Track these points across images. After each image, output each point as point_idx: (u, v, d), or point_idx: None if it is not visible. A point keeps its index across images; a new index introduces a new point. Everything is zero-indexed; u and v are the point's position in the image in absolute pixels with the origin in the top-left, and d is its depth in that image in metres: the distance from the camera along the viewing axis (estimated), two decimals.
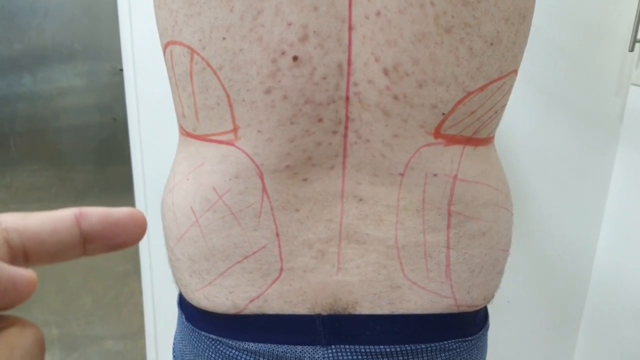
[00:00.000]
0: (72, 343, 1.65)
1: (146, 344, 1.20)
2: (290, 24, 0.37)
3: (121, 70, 1.07)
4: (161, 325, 1.15)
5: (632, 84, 0.88)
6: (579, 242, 1.04)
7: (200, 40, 0.39)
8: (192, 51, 0.40)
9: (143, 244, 1.09)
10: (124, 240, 0.19)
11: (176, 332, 0.55)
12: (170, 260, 0.49)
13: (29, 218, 0.18)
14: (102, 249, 0.19)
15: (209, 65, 0.39)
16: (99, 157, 1.38)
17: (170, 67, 0.43)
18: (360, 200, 0.44)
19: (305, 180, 0.43)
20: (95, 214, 0.18)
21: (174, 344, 0.55)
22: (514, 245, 0.48)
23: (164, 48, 0.42)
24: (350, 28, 0.38)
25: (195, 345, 0.49)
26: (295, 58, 0.38)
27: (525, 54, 0.44)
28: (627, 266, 0.97)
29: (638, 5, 0.85)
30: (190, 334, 0.50)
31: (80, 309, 1.63)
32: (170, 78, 0.44)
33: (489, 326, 0.53)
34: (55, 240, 0.18)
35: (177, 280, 0.49)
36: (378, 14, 0.37)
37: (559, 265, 1.05)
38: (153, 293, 1.13)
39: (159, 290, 1.12)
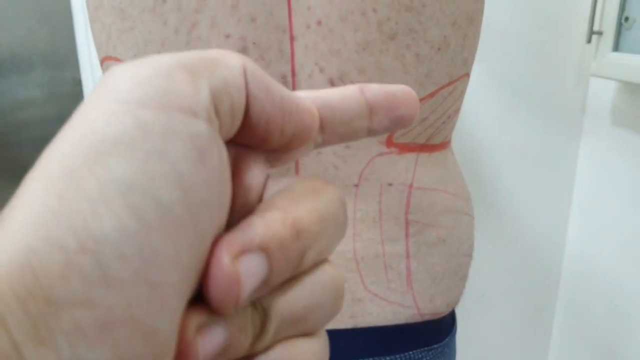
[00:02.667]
0: None
1: None
2: (227, 37, 0.36)
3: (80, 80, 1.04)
4: None
5: (592, 75, 0.89)
6: (549, 233, 1.05)
7: (135, 56, 0.37)
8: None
9: None
10: (403, 113, 0.19)
11: None
12: None
13: (320, 91, 0.19)
14: (385, 122, 0.19)
15: None
16: None
17: None
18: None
19: None
20: (375, 86, 0.19)
21: None
22: (486, 239, 0.48)
23: (101, 63, 0.41)
24: (291, 38, 0.37)
25: None
26: None
27: (487, 49, 0.43)
28: (598, 255, 0.98)
29: None
30: None
31: None
32: None
33: (456, 330, 0.52)
34: (345, 106, 0.18)
35: None
36: (319, 23, 0.36)
37: (531, 258, 1.06)
38: None
39: None
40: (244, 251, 0.14)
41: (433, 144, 0.43)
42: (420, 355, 0.46)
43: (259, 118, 0.16)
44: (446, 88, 0.40)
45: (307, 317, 0.17)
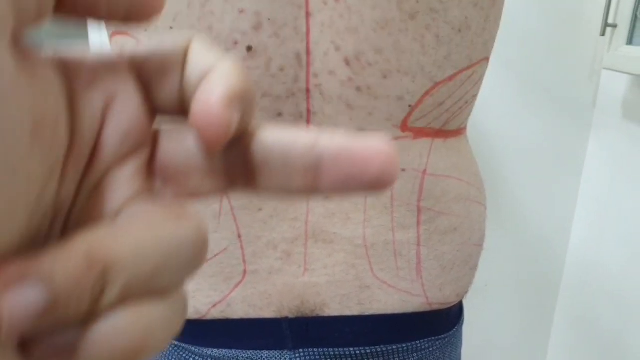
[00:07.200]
0: None
1: None
2: (242, 11, 0.34)
3: None
4: None
5: (604, 68, 0.87)
6: (554, 225, 1.04)
7: (145, 30, 0.36)
8: (138, 42, 0.37)
9: None
10: (362, 170, 0.15)
11: None
12: None
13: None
14: (339, 179, 0.15)
15: None
16: None
17: None
18: (326, 197, 0.41)
19: None
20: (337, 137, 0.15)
21: None
22: (491, 230, 0.47)
23: (110, 38, 0.39)
24: (307, 15, 0.35)
25: None
26: (249, 48, 0.35)
27: (498, 40, 0.42)
28: (601, 249, 0.97)
29: None
30: None
31: None
32: None
33: (464, 321, 0.51)
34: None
35: None
36: None
37: (535, 249, 1.05)
38: None
39: None
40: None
41: (448, 129, 0.42)
42: (427, 345, 0.45)
43: None
44: (465, 72, 0.39)
45: (159, 274, 0.14)
